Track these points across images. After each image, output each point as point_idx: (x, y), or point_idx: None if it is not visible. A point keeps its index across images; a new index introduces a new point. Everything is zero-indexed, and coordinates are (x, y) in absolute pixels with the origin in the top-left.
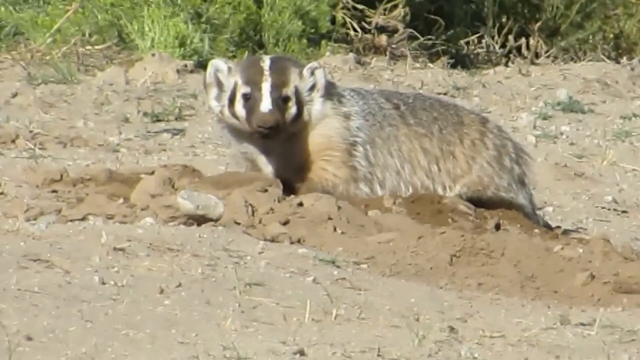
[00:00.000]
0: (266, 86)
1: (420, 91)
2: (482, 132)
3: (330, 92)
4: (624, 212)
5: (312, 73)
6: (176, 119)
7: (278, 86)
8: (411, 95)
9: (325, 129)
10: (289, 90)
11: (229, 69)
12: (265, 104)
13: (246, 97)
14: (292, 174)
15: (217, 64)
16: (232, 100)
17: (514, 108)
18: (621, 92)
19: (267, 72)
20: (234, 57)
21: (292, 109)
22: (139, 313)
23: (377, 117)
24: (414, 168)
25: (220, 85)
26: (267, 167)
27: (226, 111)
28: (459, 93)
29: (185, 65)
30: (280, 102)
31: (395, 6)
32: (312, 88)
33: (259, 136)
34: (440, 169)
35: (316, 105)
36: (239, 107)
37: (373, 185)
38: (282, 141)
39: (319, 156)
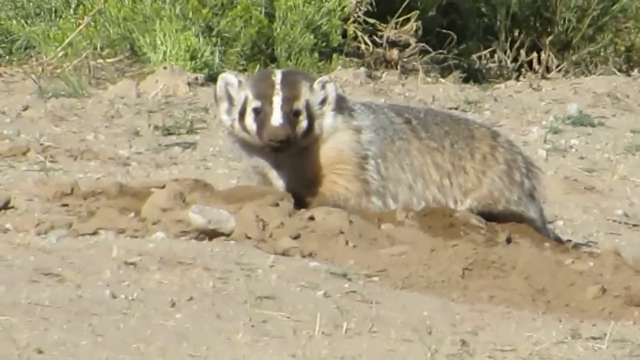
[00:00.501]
0: (277, 100)
1: (431, 106)
2: (492, 146)
3: (342, 106)
4: (634, 225)
5: (323, 87)
6: (187, 132)
7: (289, 100)
8: (422, 110)
9: (336, 143)
10: (300, 104)
11: (240, 82)
12: (276, 118)
13: (257, 111)
14: (303, 187)
15: (228, 77)
16: (242, 114)
17: (525, 122)
18: (631, 105)
19: (278, 86)
20: (245, 70)
21: (303, 123)
22: (150, 327)
23: (388, 131)
24: (426, 182)
25: (230, 99)
26: (278, 181)
27: (237, 125)
28: (471, 107)
29: (197, 79)
30: (291, 115)
31: (407, 20)
32: (323, 102)
33: (270, 150)
34: (452, 183)
35: (327, 119)
36: (250, 121)
37: (385, 198)
38: (293, 155)
39: (330, 170)
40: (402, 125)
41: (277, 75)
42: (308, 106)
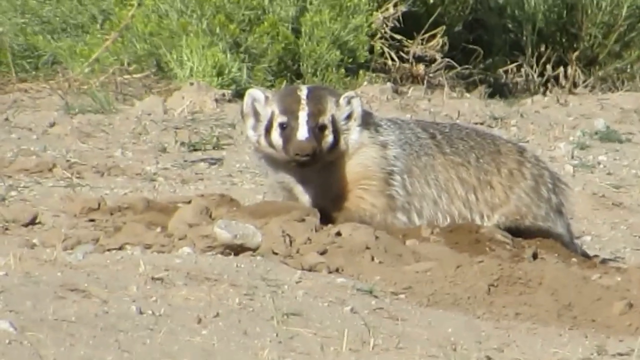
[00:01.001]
0: (303, 115)
1: (457, 121)
2: (519, 162)
3: (367, 121)
4: None
5: (349, 102)
6: (214, 148)
7: (315, 115)
8: (447, 125)
9: (362, 158)
10: (326, 119)
11: (266, 98)
12: (302, 132)
13: (283, 126)
14: (329, 203)
15: (254, 93)
16: (268, 130)
17: (552, 138)
18: None
19: (304, 101)
20: (272, 86)
21: (329, 138)
22: (177, 343)
23: (414, 147)
24: (451, 197)
25: (257, 114)
26: (304, 197)
27: (263, 140)
28: (497, 123)
29: (223, 95)
30: (317, 130)
31: (434, 36)
32: (349, 117)
33: (296, 165)
34: (478, 199)
35: (353, 135)
36: (276, 136)
37: (410, 214)
38: (318, 170)
39: (356, 185)
40: (428, 141)
41: (303, 91)
42: (334, 121)
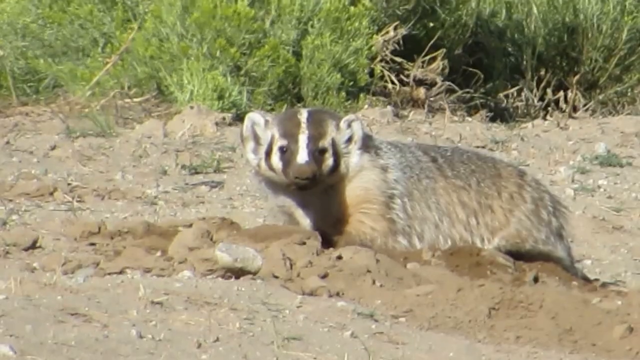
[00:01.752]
0: (303, 138)
1: (459, 144)
2: (519, 185)
3: (368, 144)
4: None
5: (349, 125)
6: (214, 171)
7: (315, 138)
8: (449, 148)
9: (362, 182)
10: (326, 142)
11: (266, 122)
12: (302, 156)
13: (283, 150)
14: (330, 226)
15: (254, 117)
16: (269, 153)
17: (552, 161)
18: None
19: (304, 125)
20: (273, 110)
21: (329, 161)
22: None
23: (415, 170)
24: (453, 221)
25: (257, 138)
26: (304, 220)
27: (263, 164)
28: (498, 146)
29: (224, 118)
30: (317, 153)
31: (434, 59)
32: (350, 140)
33: (296, 188)
34: (479, 222)
35: (353, 158)
36: (276, 160)
37: (411, 238)
38: (319, 194)
39: (356, 209)
40: (429, 164)
41: (303, 114)
42: (334, 144)
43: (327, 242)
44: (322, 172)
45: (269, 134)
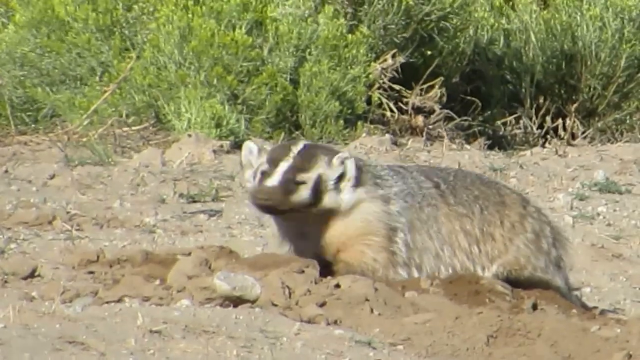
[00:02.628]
0: (283, 165)
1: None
2: (522, 215)
3: (365, 176)
4: None
5: (342, 162)
6: (213, 199)
7: (296, 169)
8: (451, 172)
9: (363, 214)
10: (307, 176)
11: (259, 150)
12: (272, 179)
13: (262, 173)
14: (330, 256)
15: (250, 145)
16: (254, 178)
17: (551, 189)
18: None
19: (291, 154)
20: (270, 137)
21: (303, 193)
22: None
23: (417, 198)
24: (454, 250)
25: (252, 166)
26: (305, 249)
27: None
28: (496, 174)
29: (222, 146)
30: (292, 184)
31: (432, 87)
32: (341, 178)
33: (259, 209)
34: (480, 250)
35: (345, 195)
36: (254, 182)
37: (411, 269)
38: (317, 224)
39: (358, 240)
40: (431, 190)
41: (298, 146)
42: (319, 180)
43: (327, 271)
44: (292, 202)
45: (260, 161)
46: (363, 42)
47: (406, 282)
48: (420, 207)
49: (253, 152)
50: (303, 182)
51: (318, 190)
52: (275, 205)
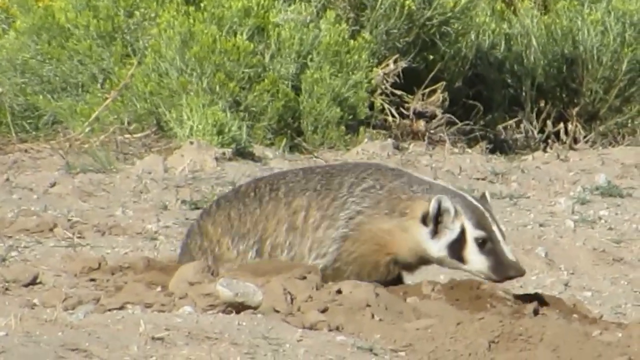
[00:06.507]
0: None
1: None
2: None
3: None
4: None
5: None
6: None
7: None
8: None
9: None
10: None
11: (456, 212)
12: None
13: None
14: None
15: (447, 205)
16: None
17: (553, 193)
18: None
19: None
20: (272, 144)
21: None
22: None
23: None
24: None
25: (445, 226)
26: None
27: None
28: (498, 178)
29: (224, 153)
30: None
31: (434, 91)
32: None
33: (503, 281)
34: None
35: None
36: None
37: None
38: None
39: None
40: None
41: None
42: None
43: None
44: None
45: (460, 225)
46: (365, 47)
47: (408, 287)
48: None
49: (450, 213)
50: None
51: None
52: None
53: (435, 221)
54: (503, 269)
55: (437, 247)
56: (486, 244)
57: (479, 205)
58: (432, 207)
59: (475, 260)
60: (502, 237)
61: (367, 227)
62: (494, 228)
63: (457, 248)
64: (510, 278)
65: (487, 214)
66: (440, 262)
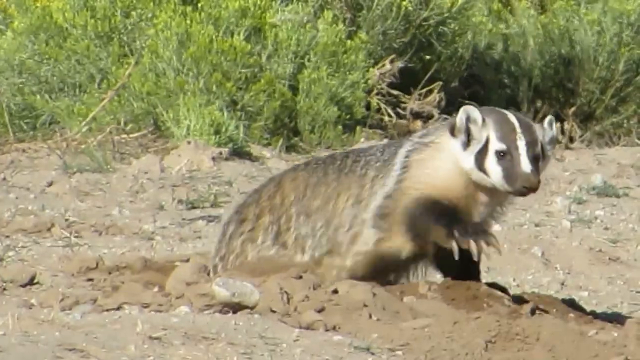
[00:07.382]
0: (533, 146)
1: None
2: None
3: None
4: None
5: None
6: (211, 206)
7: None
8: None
9: None
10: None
11: (484, 120)
12: (532, 165)
13: (522, 156)
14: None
15: (473, 113)
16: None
17: (549, 192)
18: None
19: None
20: (269, 144)
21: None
22: None
23: None
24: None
25: (472, 137)
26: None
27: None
28: None
29: (221, 153)
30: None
31: (430, 92)
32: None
33: (520, 194)
34: None
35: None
36: (520, 167)
37: None
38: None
39: None
40: None
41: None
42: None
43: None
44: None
45: (486, 135)
46: (361, 47)
47: (404, 287)
48: None
49: (477, 122)
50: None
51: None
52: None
53: (466, 132)
54: (514, 179)
55: (468, 159)
56: (506, 156)
57: (514, 120)
58: (459, 117)
59: (493, 172)
60: (527, 152)
61: (415, 170)
62: (519, 143)
63: (480, 159)
64: (524, 190)
65: (518, 130)
66: (472, 175)
